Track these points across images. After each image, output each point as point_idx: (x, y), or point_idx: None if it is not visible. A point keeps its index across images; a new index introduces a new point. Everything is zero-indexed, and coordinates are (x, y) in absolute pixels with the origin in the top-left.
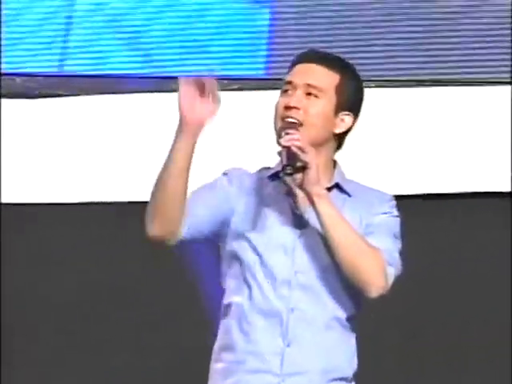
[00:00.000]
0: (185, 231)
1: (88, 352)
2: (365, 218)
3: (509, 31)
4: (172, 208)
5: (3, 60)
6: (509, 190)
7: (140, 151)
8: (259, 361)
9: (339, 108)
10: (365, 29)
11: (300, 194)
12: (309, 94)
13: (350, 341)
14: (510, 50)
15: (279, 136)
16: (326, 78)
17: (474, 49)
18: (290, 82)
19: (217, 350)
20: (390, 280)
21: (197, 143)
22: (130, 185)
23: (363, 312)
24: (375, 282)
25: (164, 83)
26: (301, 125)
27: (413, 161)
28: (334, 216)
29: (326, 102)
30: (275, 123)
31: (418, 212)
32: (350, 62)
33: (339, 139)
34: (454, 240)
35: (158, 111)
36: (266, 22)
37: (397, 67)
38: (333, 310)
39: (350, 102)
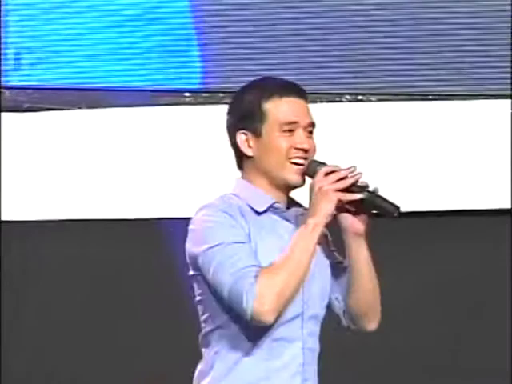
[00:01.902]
0: None
1: (89, 368)
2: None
3: (509, 45)
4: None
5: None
6: (509, 206)
7: (131, 166)
8: None
9: None
10: (359, 44)
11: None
12: (310, 132)
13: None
14: (510, 64)
15: (308, 175)
16: (311, 115)
17: (474, 62)
18: (294, 122)
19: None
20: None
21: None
22: (120, 201)
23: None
24: (379, 317)
25: (155, 96)
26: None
27: (411, 177)
28: (370, 258)
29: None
30: (278, 162)
31: (417, 230)
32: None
33: None
34: (454, 257)
35: (148, 125)
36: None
37: (396, 81)
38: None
39: None
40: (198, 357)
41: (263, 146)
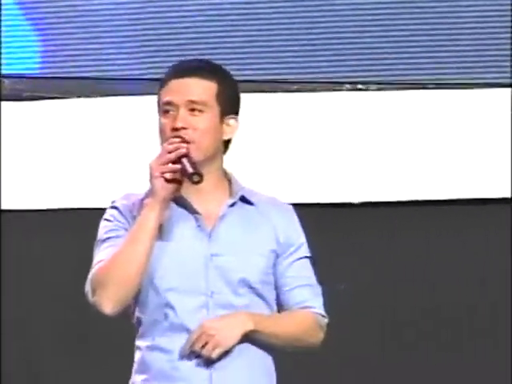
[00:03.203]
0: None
1: (89, 358)
2: (281, 233)
3: (509, 33)
4: (136, 283)
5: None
6: (509, 195)
7: (133, 154)
8: None
9: (223, 115)
10: (359, 32)
11: (206, 212)
12: (192, 110)
13: (268, 358)
14: (510, 52)
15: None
16: (204, 90)
17: (474, 51)
18: (169, 103)
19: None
20: (325, 328)
21: None
22: (121, 189)
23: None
24: (316, 344)
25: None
26: (189, 143)
27: (411, 166)
28: (272, 330)
29: (210, 115)
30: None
31: (418, 218)
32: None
33: (226, 144)
34: (454, 246)
35: (148, 114)
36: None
37: (395, 69)
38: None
39: (231, 105)
40: None
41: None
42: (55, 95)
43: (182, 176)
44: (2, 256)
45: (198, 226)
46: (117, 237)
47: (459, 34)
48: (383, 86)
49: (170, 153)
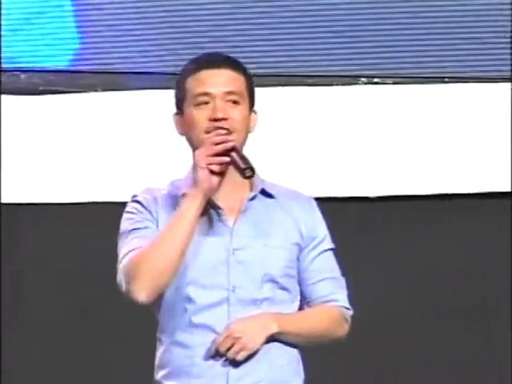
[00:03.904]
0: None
1: (92, 352)
2: (303, 226)
3: (509, 28)
4: (173, 273)
5: (6, 55)
6: (509, 189)
7: (145, 149)
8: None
9: (250, 108)
10: (366, 26)
11: (228, 206)
12: (228, 101)
13: (293, 353)
14: (510, 46)
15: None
16: (238, 82)
17: (474, 45)
18: (205, 93)
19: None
20: (349, 320)
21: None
22: (133, 184)
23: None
24: (341, 337)
25: (170, 79)
26: (231, 133)
27: (411, 160)
28: (297, 328)
29: (244, 106)
30: (199, 138)
31: (418, 213)
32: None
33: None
34: (454, 241)
35: (164, 108)
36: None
37: (397, 63)
38: None
39: (253, 98)
40: None
41: (185, 123)
42: (71, 89)
43: (234, 169)
44: (2, 250)
45: (220, 220)
46: (143, 228)
47: (458, 27)
48: (379, 80)
49: (217, 144)
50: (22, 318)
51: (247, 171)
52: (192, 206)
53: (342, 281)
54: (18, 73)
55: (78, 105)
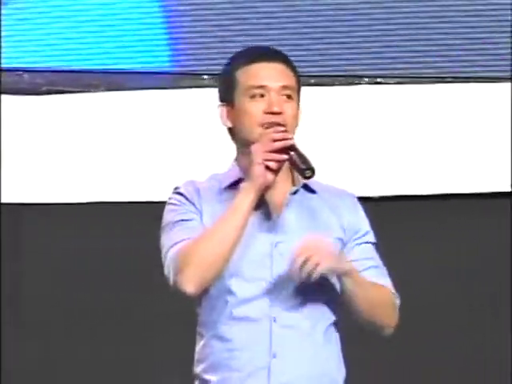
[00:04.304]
0: None
1: (94, 350)
2: (345, 221)
3: (509, 28)
4: (222, 266)
5: (7, 55)
6: (509, 189)
7: (147, 149)
8: (246, 376)
9: (299, 104)
10: (361, 26)
11: (271, 200)
12: (283, 95)
13: (334, 346)
14: (510, 46)
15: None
16: (290, 77)
17: (474, 45)
18: (262, 86)
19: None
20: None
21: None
22: (135, 184)
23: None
24: (391, 324)
25: (174, 79)
26: (286, 129)
27: (413, 161)
28: (358, 283)
29: (295, 102)
30: (250, 130)
31: (417, 213)
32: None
33: None
34: (455, 240)
35: (167, 108)
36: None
37: (399, 64)
38: (315, 317)
39: (300, 95)
40: None
41: (236, 114)
42: (74, 89)
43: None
44: (2, 250)
45: (264, 213)
46: (189, 220)
47: (458, 27)
48: (402, 79)
49: (276, 141)
50: (22, 317)
51: (307, 172)
52: (245, 200)
53: (385, 270)
54: (21, 73)
55: (81, 105)
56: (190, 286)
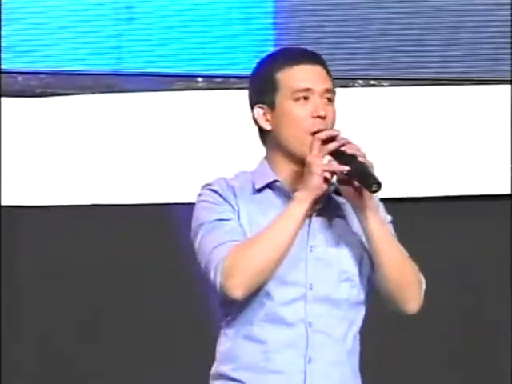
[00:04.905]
0: None
1: (94, 351)
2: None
3: (509, 29)
4: (272, 273)
5: (3, 56)
6: (509, 192)
7: (143, 151)
8: (283, 379)
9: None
10: (362, 27)
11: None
12: (325, 98)
13: (357, 352)
14: (510, 47)
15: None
16: (330, 80)
17: (474, 46)
18: (308, 89)
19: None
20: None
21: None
22: (133, 187)
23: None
24: (417, 300)
25: (168, 82)
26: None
27: (409, 163)
28: (385, 232)
29: (334, 104)
30: (297, 134)
31: (417, 215)
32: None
33: None
34: (455, 242)
35: (161, 110)
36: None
37: (394, 65)
38: (348, 323)
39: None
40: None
41: (278, 117)
42: (68, 91)
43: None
44: (2, 252)
45: None
46: (228, 220)
47: (459, 28)
48: (379, 81)
49: (325, 142)
50: (21, 320)
51: (374, 186)
52: (300, 209)
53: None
54: (15, 75)
55: (75, 107)
56: (238, 292)
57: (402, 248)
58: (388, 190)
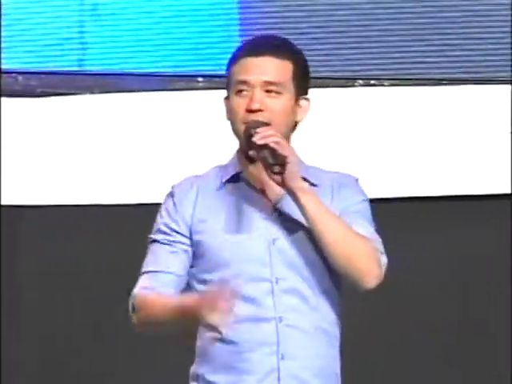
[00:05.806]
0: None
1: (94, 351)
2: (338, 204)
3: (509, 29)
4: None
5: (3, 56)
6: (509, 191)
7: (143, 151)
8: (256, 379)
9: (297, 96)
10: (363, 27)
11: (270, 193)
12: (268, 91)
13: (336, 343)
14: (510, 47)
15: (248, 138)
16: (281, 71)
17: (474, 46)
18: (244, 82)
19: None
20: (384, 268)
21: None
22: (132, 186)
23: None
24: (371, 272)
25: (168, 81)
26: (268, 125)
27: (409, 163)
28: (322, 210)
29: (287, 96)
30: (237, 127)
31: (417, 215)
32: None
33: (295, 125)
34: (455, 242)
35: (162, 110)
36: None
37: (394, 65)
38: (319, 316)
39: (305, 85)
40: None
41: (228, 109)
42: (69, 91)
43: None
44: (2, 252)
45: (260, 212)
46: (166, 244)
47: (458, 28)
48: (379, 81)
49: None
50: (21, 320)
51: (276, 167)
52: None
53: (378, 238)
54: (15, 75)
55: (75, 107)
56: (139, 330)
57: (346, 227)
58: (388, 190)
